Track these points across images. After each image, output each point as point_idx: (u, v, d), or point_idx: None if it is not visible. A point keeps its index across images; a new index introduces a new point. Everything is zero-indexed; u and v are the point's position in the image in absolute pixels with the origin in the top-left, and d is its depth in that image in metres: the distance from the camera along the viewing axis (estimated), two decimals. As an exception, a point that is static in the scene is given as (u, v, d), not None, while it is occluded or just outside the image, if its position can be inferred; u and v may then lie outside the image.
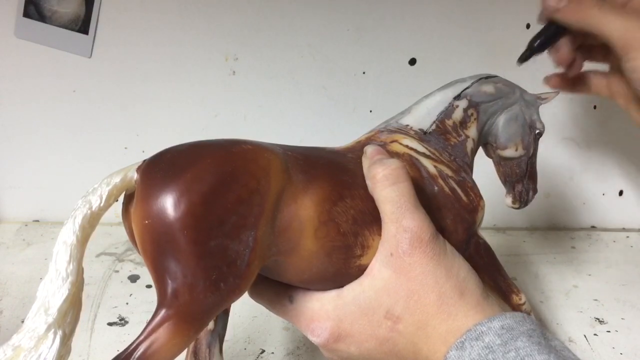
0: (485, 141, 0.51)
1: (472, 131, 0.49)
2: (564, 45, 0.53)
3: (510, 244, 0.82)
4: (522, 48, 0.53)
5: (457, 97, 0.49)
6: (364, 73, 0.78)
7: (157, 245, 0.36)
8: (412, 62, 0.77)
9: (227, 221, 0.36)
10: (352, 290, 0.42)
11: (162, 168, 0.37)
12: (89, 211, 0.38)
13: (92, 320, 0.60)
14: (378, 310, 0.41)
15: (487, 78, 0.50)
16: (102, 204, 0.38)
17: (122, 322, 0.61)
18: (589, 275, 0.75)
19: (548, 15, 0.51)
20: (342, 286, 0.42)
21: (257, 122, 0.78)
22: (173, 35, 0.73)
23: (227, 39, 0.74)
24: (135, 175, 0.38)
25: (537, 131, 0.51)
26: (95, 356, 0.56)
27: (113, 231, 0.77)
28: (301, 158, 0.42)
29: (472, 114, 0.49)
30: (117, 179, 0.38)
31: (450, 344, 0.38)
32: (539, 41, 0.52)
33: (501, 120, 0.50)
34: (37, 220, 0.81)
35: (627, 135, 0.82)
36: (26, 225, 0.80)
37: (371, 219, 0.42)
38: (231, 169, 0.37)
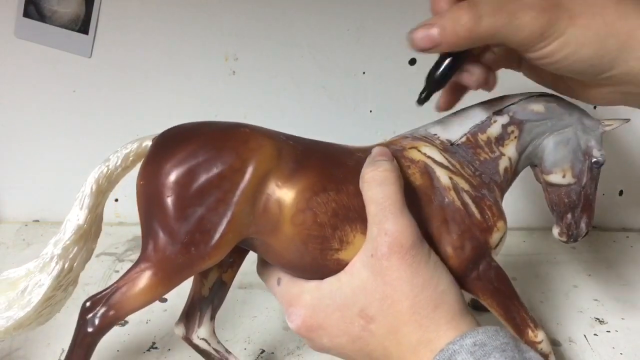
0: (532, 163, 0.49)
1: (509, 149, 0.46)
2: (473, 66, 0.44)
3: (510, 244, 0.82)
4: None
5: (498, 112, 0.46)
6: (364, 73, 0.78)
7: (146, 204, 0.41)
8: (412, 62, 0.77)
9: (207, 193, 0.40)
10: (330, 284, 0.42)
11: (166, 140, 0.43)
12: (106, 168, 0.44)
13: (92, 320, 0.60)
14: (352, 308, 0.41)
15: (540, 96, 0.47)
16: (118, 163, 0.44)
17: (122, 322, 0.61)
18: (589, 275, 0.75)
19: (430, 51, 0.41)
20: (322, 277, 0.43)
21: (257, 122, 0.77)
22: (173, 35, 0.74)
23: (227, 39, 0.74)
24: (150, 144, 0.44)
25: (595, 160, 0.47)
26: (94, 356, 0.56)
27: (113, 231, 0.76)
28: (300, 148, 0.44)
29: (512, 132, 0.46)
30: (134, 145, 0.45)
31: (422, 358, 0.38)
32: (436, 76, 0.43)
33: (549, 143, 0.46)
34: (37, 220, 0.81)
35: (627, 135, 0.82)
36: (26, 225, 0.80)
37: (355, 216, 0.42)
38: (221, 147, 0.41)
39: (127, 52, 0.74)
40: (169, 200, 0.40)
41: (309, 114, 0.79)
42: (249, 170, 0.41)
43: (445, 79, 0.43)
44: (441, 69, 0.43)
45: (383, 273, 0.40)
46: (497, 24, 0.39)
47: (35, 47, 0.72)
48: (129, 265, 0.72)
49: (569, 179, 0.47)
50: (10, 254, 0.73)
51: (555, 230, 0.48)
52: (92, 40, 0.72)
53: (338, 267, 0.42)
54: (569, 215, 0.47)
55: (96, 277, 0.68)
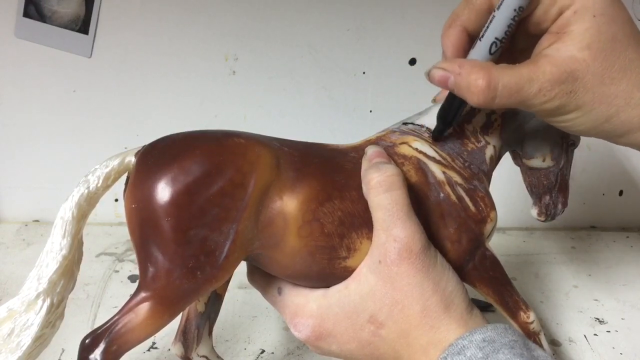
0: (512, 148, 0.49)
1: (493, 138, 0.46)
2: None
3: (510, 244, 0.82)
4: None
5: None
6: (364, 73, 0.78)
7: (141, 229, 0.38)
8: (412, 62, 0.77)
9: (208, 212, 0.38)
10: (337, 291, 0.42)
11: (154, 155, 0.39)
12: (86, 190, 0.40)
13: (92, 321, 0.60)
14: (362, 315, 0.41)
15: None
16: (99, 184, 0.41)
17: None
18: (589, 275, 0.75)
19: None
20: (328, 285, 0.42)
21: (257, 122, 0.78)
22: (173, 35, 0.74)
23: (227, 39, 0.74)
24: (133, 160, 0.41)
25: (571, 142, 0.48)
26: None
27: (113, 231, 0.77)
28: (296, 155, 0.42)
29: (495, 120, 0.46)
30: (115, 162, 0.41)
31: (431, 357, 0.39)
32: (450, 115, 0.44)
33: (529, 128, 0.47)
34: (37, 220, 0.81)
35: (627, 135, 0.82)
36: (26, 225, 0.80)
37: (360, 222, 0.41)
38: (218, 161, 0.39)
39: (127, 52, 0.74)
40: (168, 224, 0.37)
41: (309, 114, 0.79)
42: (251, 184, 0.39)
43: (458, 115, 0.44)
44: (452, 111, 0.44)
45: (393, 279, 0.40)
46: (508, 104, 0.40)
47: (35, 47, 0.72)
48: (129, 265, 0.73)
49: (548, 163, 0.48)
50: (10, 254, 0.73)
51: (534, 211, 0.49)
52: (92, 40, 0.73)
53: (345, 274, 0.42)
54: (547, 197, 0.48)
55: (96, 277, 0.68)
